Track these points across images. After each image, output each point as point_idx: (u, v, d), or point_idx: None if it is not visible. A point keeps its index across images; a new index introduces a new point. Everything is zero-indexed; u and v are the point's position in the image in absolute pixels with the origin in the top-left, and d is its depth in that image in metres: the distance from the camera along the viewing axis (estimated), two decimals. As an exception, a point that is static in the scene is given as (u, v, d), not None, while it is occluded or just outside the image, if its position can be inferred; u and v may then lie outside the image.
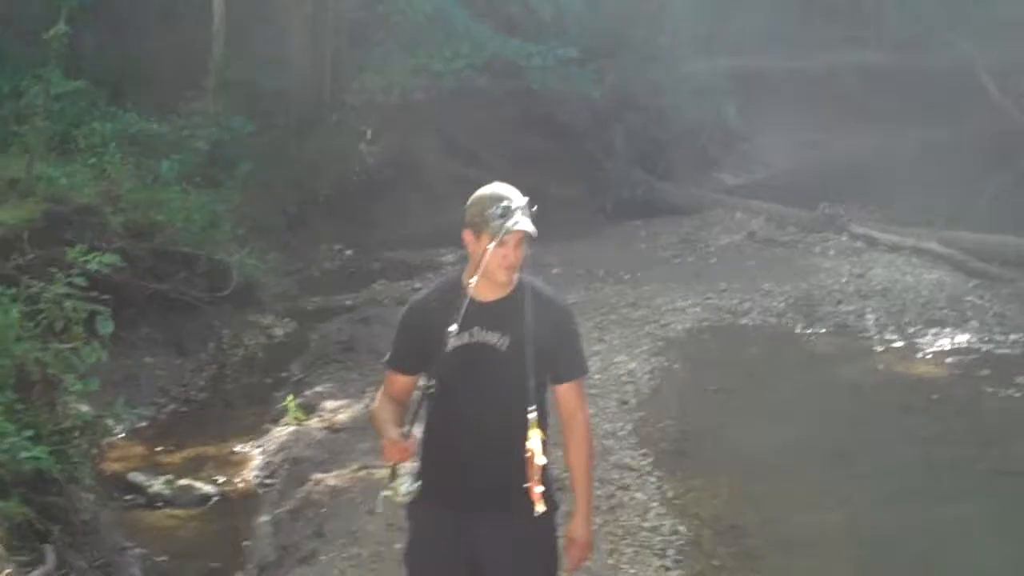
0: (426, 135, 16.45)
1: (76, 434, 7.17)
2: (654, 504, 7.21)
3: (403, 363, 4.77)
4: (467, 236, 4.62)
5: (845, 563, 6.79)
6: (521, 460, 4.36)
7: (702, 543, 6.78)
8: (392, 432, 4.47)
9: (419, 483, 4.45)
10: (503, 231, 4.49)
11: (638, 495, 7.32)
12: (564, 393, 4.58)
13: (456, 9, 16.40)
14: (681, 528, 6.90)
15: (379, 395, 4.88)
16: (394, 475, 4.41)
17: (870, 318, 11.54)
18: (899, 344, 10.89)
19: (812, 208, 14.89)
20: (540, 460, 4.35)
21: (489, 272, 4.55)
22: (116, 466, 8.34)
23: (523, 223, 4.53)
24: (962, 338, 10.97)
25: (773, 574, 6.61)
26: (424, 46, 16.29)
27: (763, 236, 14.49)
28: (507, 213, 4.55)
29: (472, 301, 4.50)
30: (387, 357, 4.79)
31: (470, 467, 4.56)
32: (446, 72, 15.78)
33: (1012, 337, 10.92)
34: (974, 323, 11.35)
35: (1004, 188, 15.01)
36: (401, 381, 4.77)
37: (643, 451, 8.06)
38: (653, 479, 7.59)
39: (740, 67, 17.89)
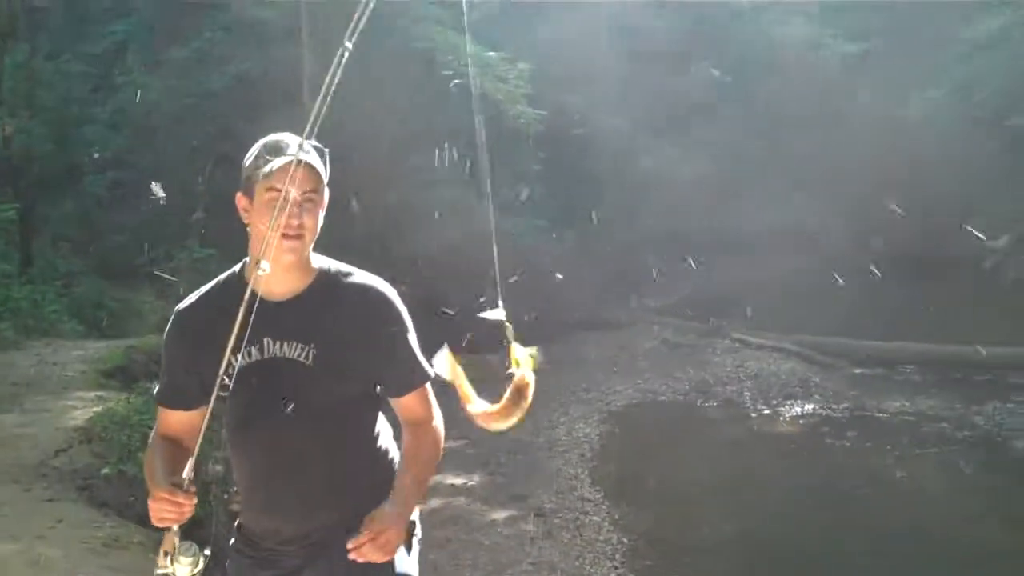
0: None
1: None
2: (606, 524, 7.19)
3: (176, 397, 2.66)
4: (240, 202, 2.58)
5: (739, 559, 6.79)
6: (359, 502, 2.50)
7: (639, 550, 6.78)
8: (163, 483, 2.42)
9: (206, 553, 2.41)
10: (272, 174, 2.46)
11: (595, 518, 7.30)
12: (405, 405, 2.65)
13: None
14: (624, 540, 6.89)
15: (152, 436, 2.73)
16: (172, 547, 2.36)
17: (746, 395, 11.53)
18: (767, 412, 10.87)
19: (705, 321, 14.96)
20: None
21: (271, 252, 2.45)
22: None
23: (305, 157, 2.44)
24: (808, 407, 10.97)
25: (687, 569, 6.62)
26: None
27: (673, 342, 14.49)
28: (278, 150, 2.51)
29: (259, 301, 2.41)
30: (156, 389, 2.72)
31: (290, 518, 2.59)
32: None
33: (843, 405, 10.92)
34: (817, 396, 11.35)
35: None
36: (177, 419, 2.66)
37: (597, 488, 8.03)
38: (604, 506, 7.58)
39: (657, 227, 17.82)
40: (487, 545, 6.64)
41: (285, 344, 2.51)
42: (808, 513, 7.72)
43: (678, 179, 16.85)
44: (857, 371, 12.61)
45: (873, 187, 15.76)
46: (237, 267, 2.64)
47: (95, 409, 7.27)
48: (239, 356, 2.44)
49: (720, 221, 16.89)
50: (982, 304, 12.91)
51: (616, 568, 6.37)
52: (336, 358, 2.51)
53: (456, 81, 12.21)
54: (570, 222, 16.79)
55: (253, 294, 2.37)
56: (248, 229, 2.55)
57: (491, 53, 12.01)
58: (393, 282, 2.67)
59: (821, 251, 14.89)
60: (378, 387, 2.63)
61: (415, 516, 2.66)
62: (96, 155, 15.98)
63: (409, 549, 2.64)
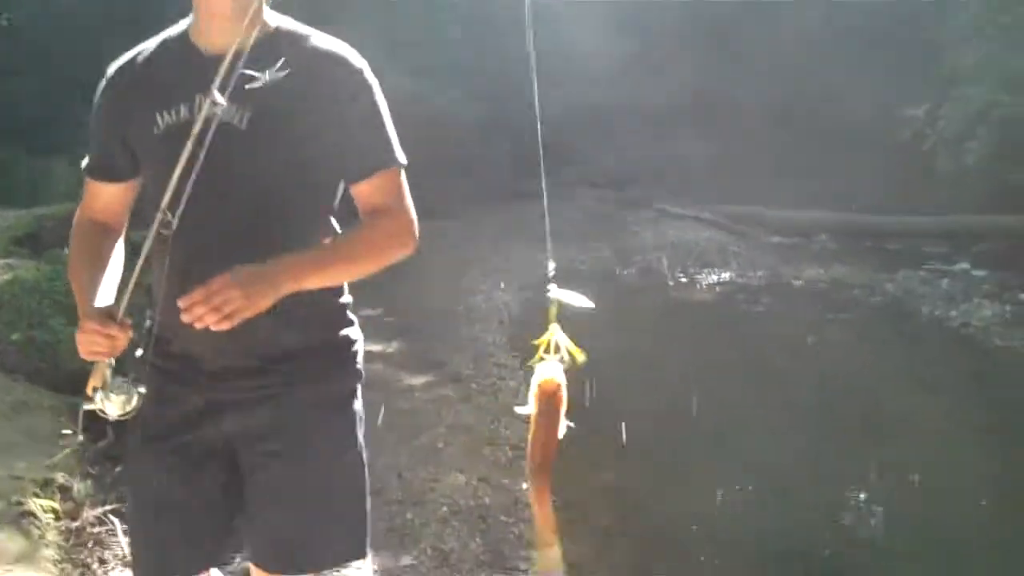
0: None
1: None
2: (522, 388, 7.28)
3: (104, 165, 2.29)
4: None
5: (656, 424, 6.83)
6: (301, 313, 2.15)
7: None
8: (92, 311, 2.08)
9: (141, 390, 2.08)
10: None
11: (511, 383, 7.37)
12: (366, 196, 2.20)
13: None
14: (540, 403, 6.97)
15: (77, 220, 2.36)
16: (102, 382, 2.07)
17: (665, 263, 11.64)
18: (684, 280, 11.02)
19: (625, 191, 15.01)
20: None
21: None
22: None
23: None
24: (725, 275, 11.12)
25: (596, 431, 6.69)
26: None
27: (594, 212, 14.54)
28: None
29: (196, 54, 2.14)
30: (85, 160, 2.33)
31: (203, 338, 1.99)
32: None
33: (759, 273, 11.09)
34: (734, 264, 11.51)
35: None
36: (106, 194, 2.31)
37: (514, 353, 8.07)
38: (521, 372, 7.64)
39: (581, 100, 17.71)
40: (406, 409, 6.68)
41: (215, 102, 2.01)
42: (722, 379, 7.85)
43: (599, 51, 16.69)
44: (774, 240, 12.78)
45: (797, 59, 15.81)
46: (182, 24, 2.23)
47: (4, 277, 7.11)
48: (164, 113, 2.14)
49: (642, 93, 16.82)
50: (898, 174, 13.09)
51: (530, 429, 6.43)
52: (279, 127, 2.09)
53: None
54: (490, 92, 16.59)
55: (195, 51, 2.14)
56: None
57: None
58: None
59: (743, 123, 14.95)
60: (338, 180, 2.22)
61: (356, 386, 2.36)
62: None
63: (343, 410, 2.33)
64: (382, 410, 6.48)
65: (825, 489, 5.74)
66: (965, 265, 11.15)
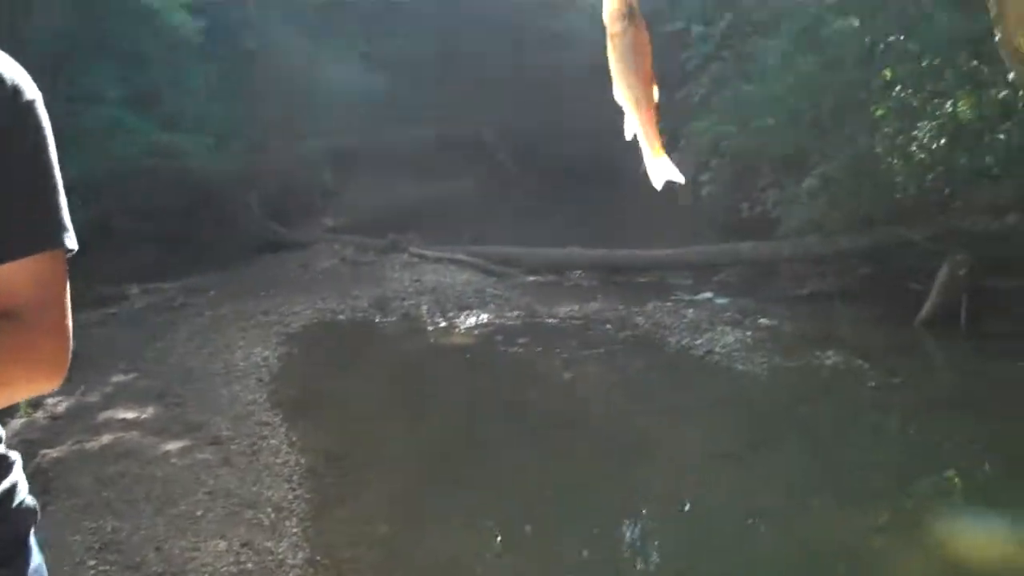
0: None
1: None
2: (284, 447, 7.14)
3: None
4: None
5: (418, 468, 6.94)
6: None
7: (318, 469, 6.81)
8: None
9: None
10: None
11: (272, 441, 7.24)
12: (10, 280, 1.50)
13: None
14: (303, 461, 6.88)
15: None
16: None
17: (424, 308, 11.73)
18: (443, 324, 11.13)
19: (383, 237, 15.07)
20: None
21: None
22: None
23: None
24: (484, 316, 11.29)
25: (369, 484, 6.71)
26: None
27: (352, 259, 14.53)
28: None
29: None
30: None
31: None
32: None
33: (515, 313, 11.32)
34: (491, 306, 11.71)
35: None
36: None
37: (275, 411, 7.94)
38: (283, 429, 7.52)
39: (334, 144, 17.74)
40: (160, 477, 6.49)
41: None
42: (482, 420, 8.02)
43: (350, 94, 16.78)
44: (530, 279, 13.10)
45: (542, 97, 16.29)
46: None
47: None
48: None
49: (393, 137, 17.00)
50: (642, 209, 13.63)
51: (294, 489, 6.37)
52: None
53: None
54: (241, 139, 16.42)
55: None
56: None
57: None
58: None
59: (492, 164, 15.31)
60: None
61: (17, 477, 1.63)
62: None
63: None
64: (136, 481, 6.30)
65: (583, 521, 5.92)
66: (708, 294, 11.74)
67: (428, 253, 14.37)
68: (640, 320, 10.74)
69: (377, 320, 11.40)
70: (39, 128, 1.56)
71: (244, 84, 16.57)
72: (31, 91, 1.56)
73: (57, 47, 12.78)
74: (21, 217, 1.53)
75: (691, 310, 11.02)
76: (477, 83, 17.64)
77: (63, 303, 1.57)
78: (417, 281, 13.01)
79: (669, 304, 11.33)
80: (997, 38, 5.24)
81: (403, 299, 12.15)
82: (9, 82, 1.53)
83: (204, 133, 15.36)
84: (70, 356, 1.57)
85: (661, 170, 1.69)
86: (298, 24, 17.42)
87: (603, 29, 1.64)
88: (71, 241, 1.58)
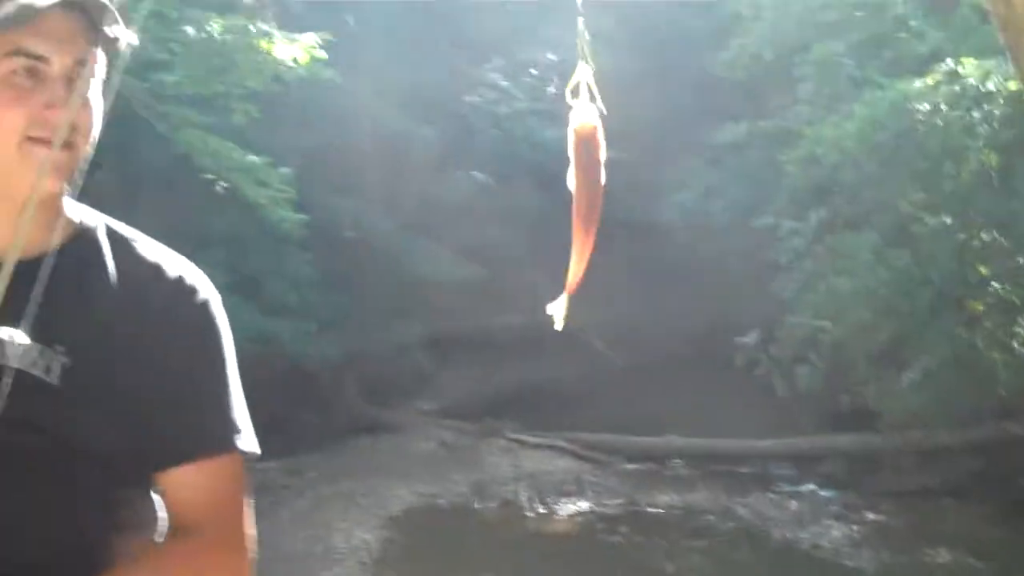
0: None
1: None
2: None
3: None
4: None
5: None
6: None
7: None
8: None
9: None
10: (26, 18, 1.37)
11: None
12: (190, 487, 1.50)
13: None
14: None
15: None
16: None
17: (522, 494, 11.69)
18: (542, 511, 11.08)
19: (481, 422, 15.12)
20: None
21: (7, 167, 1.42)
22: None
23: None
24: (583, 504, 11.21)
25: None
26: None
27: (449, 443, 14.56)
28: None
29: None
30: None
31: None
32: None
33: (614, 502, 11.24)
34: (590, 493, 11.64)
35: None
36: None
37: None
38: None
39: (431, 330, 18.03)
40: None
41: (18, 343, 1.39)
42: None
43: (446, 280, 17.16)
44: (629, 467, 13.00)
45: (635, 289, 16.49)
46: None
47: None
48: None
49: (488, 323, 17.26)
50: (738, 399, 13.58)
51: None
52: (103, 379, 1.45)
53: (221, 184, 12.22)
54: (340, 325, 16.74)
55: None
56: None
57: (252, 158, 11.99)
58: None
59: (590, 351, 15.40)
60: (159, 446, 1.50)
61: None
62: None
63: None
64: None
65: None
66: (812, 486, 11.55)
67: (526, 438, 14.35)
68: (743, 511, 10.59)
69: (476, 506, 11.38)
70: (214, 327, 1.58)
71: (343, 271, 17.02)
72: (207, 290, 1.59)
73: (160, 237, 13.32)
74: (194, 418, 1.51)
75: (795, 502, 10.85)
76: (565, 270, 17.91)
77: (243, 513, 1.55)
78: (515, 467, 12.99)
79: (772, 495, 11.16)
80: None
81: (501, 485, 12.12)
82: (186, 282, 1.56)
83: (304, 318, 15.71)
84: (253, 571, 1.55)
85: (558, 306, 1.86)
86: (396, 217, 17.97)
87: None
88: (250, 444, 1.55)
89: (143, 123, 11.01)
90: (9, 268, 1.31)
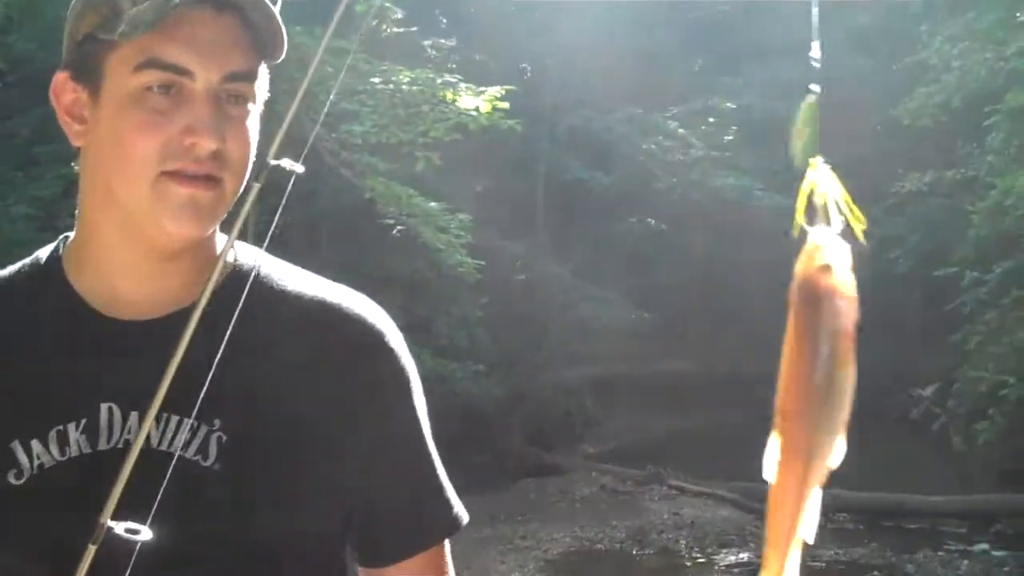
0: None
1: None
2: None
3: None
4: (62, 89, 1.17)
5: None
6: None
7: None
8: None
9: None
10: (164, 22, 1.08)
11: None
12: (417, 572, 1.29)
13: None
14: None
15: None
16: None
17: (682, 543, 11.57)
18: (702, 560, 10.94)
19: (642, 468, 15.04)
20: None
21: (140, 207, 1.13)
22: None
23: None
24: (744, 555, 11.01)
25: None
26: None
27: (611, 488, 14.53)
28: None
29: (98, 320, 1.18)
30: None
31: None
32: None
33: (776, 554, 11.02)
34: (751, 544, 11.39)
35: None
36: None
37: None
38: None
39: (597, 373, 18.10)
40: None
41: (158, 421, 1.14)
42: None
43: (615, 326, 17.20)
44: (792, 519, 12.71)
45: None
46: (47, 251, 1.28)
47: None
48: (33, 443, 1.15)
49: (655, 368, 17.18)
50: (911, 452, 13.16)
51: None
52: (274, 459, 1.19)
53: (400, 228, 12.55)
54: (508, 366, 16.92)
55: (97, 317, 1.19)
56: (81, 157, 1.22)
57: (432, 204, 12.31)
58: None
59: (752, 398, 15.14)
60: (351, 540, 1.31)
61: None
62: None
63: None
64: None
65: None
66: (984, 546, 11.05)
67: (688, 486, 14.21)
68: (910, 568, 10.24)
69: (634, 552, 11.30)
70: (407, 380, 1.31)
71: (513, 313, 17.24)
72: (394, 335, 1.31)
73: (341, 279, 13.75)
74: (409, 498, 1.30)
75: (966, 561, 10.41)
76: (740, 315, 17.73)
77: None
78: (676, 514, 12.85)
79: (942, 554, 10.73)
80: None
81: (661, 532, 12.01)
82: (373, 327, 1.29)
83: (474, 359, 15.94)
84: None
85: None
86: (565, 259, 18.14)
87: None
88: (463, 512, 1.36)
89: (327, 169, 11.42)
90: (184, 341, 1.08)
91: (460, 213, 14.54)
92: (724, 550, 11.24)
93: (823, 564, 10.63)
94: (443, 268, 14.71)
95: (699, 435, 16.01)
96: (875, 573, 10.16)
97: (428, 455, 1.33)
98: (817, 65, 0.99)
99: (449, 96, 11.04)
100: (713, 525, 12.30)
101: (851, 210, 0.97)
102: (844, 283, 0.94)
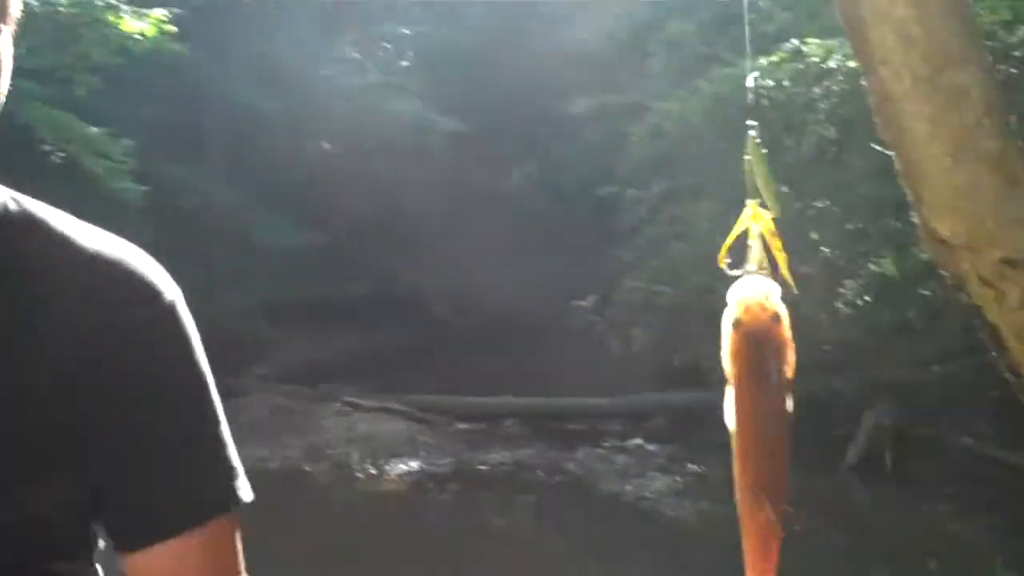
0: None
1: None
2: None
3: None
4: None
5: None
6: None
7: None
8: None
9: None
10: None
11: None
12: (186, 555, 1.13)
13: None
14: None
15: None
16: None
17: (355, 456, 11.61)
18: (374, 472, 11.05)
19: (316, 387, 14.96)
20: None
21: None
22: None
23: None
24: (414, 464, 11.22)
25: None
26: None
27: (284, 408, 14.36)
28: None
29: None
30: None
31: None
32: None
33: (446, 460, 11.27)
34: (422, 453, 11.64)
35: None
36: None
37: None
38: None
39: (271, 297, 17.71)
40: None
41: None
42: (410, 571, 7.87)
43: (289, 249, 16.94)
44: (461, 427, 13.03)
45: (479, 257, 16.54)
46: None
47: None
48: None
49: (332, 291, 17.09)
50: (574, 360, 13.73)
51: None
52: (16, 427, 1.05)
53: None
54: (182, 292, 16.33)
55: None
56: None
57: (92, 129, 11.64)
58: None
59: (432, 317, 15.39)
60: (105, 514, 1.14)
61: None
62: None
63: None
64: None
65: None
66: (639, 441, 11.75)
67: (361, 402, 14.24)
68: (571, 466, 10.72)
69: (307, 468, 11.25)
70: (185, 339, 1.19)
71: (184, 242, 16.65)
72: (169, 289, 1.21)
73: None
74: (180, 471, 1.15)
75: (621, 456, 11.02)
76: (419, 237, 17.87)
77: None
78: (349, 430, 12.88)
79: (600, 450, 11.32)
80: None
81: (334, 447, 12.02)
82: (144, 279, 1.20)
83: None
84: None
85: None
86: (238, 184, 17.64)
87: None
88: (245, 493, 1.25)
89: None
90: None
91: (125, 139, 13.90)
92: (394, 459, 11.38)
93: (488, 467, 10.98)
94: (105, 194, 14.00)
95: (376, 354, 16.07)
96: (539, 472, 10.57)
97: (214, 416, 1.21)
98: (752, 97, 1.05)
99: (111, 18, 10.42)
100: (386, 438, 12.41)
101: (776, 251, 0.99)
102: (779, 327, 1.01)
